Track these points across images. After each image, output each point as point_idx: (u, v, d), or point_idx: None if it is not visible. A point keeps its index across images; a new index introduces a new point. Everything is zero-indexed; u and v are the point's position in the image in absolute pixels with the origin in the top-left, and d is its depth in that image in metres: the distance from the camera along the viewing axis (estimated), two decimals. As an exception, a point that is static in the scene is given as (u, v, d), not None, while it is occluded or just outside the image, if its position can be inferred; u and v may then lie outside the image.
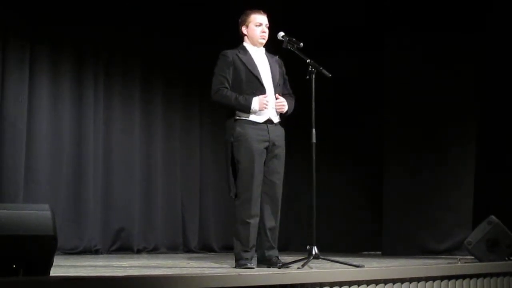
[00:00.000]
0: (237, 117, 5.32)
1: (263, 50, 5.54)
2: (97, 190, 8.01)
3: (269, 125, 5.36)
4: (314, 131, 5.39)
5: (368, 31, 8.99)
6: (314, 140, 5.39)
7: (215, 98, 5.35)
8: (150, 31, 8.44)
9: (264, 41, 5.50)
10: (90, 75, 8.05)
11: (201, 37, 8.74)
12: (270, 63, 5.51)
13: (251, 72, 5.38)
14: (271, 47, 5.62)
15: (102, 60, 8.16)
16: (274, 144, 5.36)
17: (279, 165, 5.40)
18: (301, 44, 5.47)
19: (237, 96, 5.29)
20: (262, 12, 5.52)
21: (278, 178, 5.40)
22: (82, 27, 7.98)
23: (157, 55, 8.57)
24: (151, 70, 8.59)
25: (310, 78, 5.39)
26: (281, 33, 5.55)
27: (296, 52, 5.48)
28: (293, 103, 5.55)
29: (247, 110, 5.28)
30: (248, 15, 5.51)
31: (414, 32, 8.54)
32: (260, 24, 5.47)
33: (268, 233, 5.36)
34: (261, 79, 5.39)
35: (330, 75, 5.38)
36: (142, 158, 8.43)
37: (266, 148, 5.34)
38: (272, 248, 5.38)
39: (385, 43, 8.85)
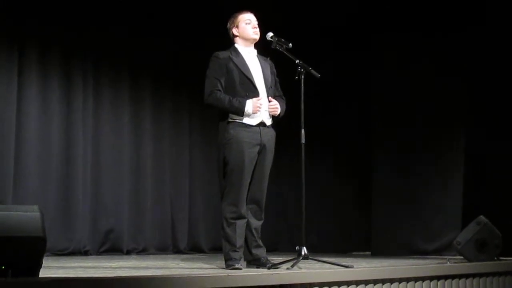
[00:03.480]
0: (230, 120, 5.32)
1: (255, 52, 5.54)
2: (86, 192, 7.98)
3: (261, 128, 5.37)
4: (303, 131, 5.43)
5: (356, 32, 9.02)
6: (303, 141, 5.43)
7: (209, 101, 5.33)
8: (138, 32, 8.41)
9: (257, 36, 5.48)
10: (78, 77, 8.03)
11: (190, 37, 8.73)
12: (262, 65, 5.51)
13: (244, 74, 5.37)
14: (261, 48, 5.61)
15: (90, 61, 8.14)
16: (265, 147, 5.37)
17: (266, 167, 5.42)
18: (290, 44, 5.49)
19: (231, 98, 5.28)
20: (249, 11, 5.53)
21: (264, 180, 5.41)
22: (71, 29, 7.98)
23: (145, 56, 8.54)
24: (140, 71, 8.57)
25: (299, 79, 5.40)
26: (270, 34, 5.58)
27: (285, 52, 5.49)
28: (285, 105, 5.56)
29: (241, 112, 5.28)
30: (236, 17, 5.53)
31: (402, 32, 8.56)
32: (250, 21, 5.48)
33: (254, 232, 5.36)
34: (254, 81, 5.39)
35: (319, 75, 5.40)
36: (131, 159, 8.41)
37: (258, 152, 5.35)
38: (259, 246, 5.39)
39: (372, 43, 8.87)
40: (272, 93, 5.49)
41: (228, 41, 5.57)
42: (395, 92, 8.68)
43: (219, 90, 5.32)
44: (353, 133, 9.25)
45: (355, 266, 5.39)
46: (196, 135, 9.00)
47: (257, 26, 5.51)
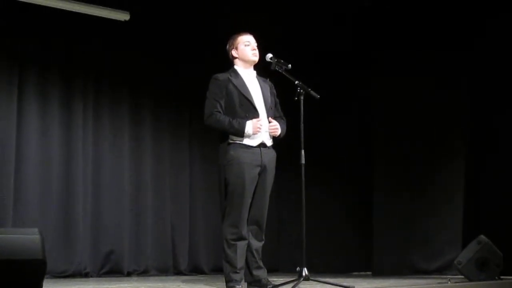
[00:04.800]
0: (231, 141, 5.32)
1: (254, 73, 5.56)
2: (87, 213, 7.96)
3: (262, 149, 5.37)
4: (303, 152, 5.42)
5: (356, 51, 9.01)
6: (303, 161, 5.42)
7: (209, 122, 5.34)
8: (138, 51, 8.43)
9: (256, 58, 5.50)
10: (78, 96, 8.04)
11: (190, 57, 8.73)
12: (261, 86, 5.52)
13: (244, 95, 5.38)
14: (261, 69, 5.63)
15: (90, 81, 8.15)
16: (265, 168, 5.37)
17: (267, 188, 5.41)
18: (289, 65, 5.51)
19: (231, 120, 5.28)
20: (248, 33, 5.54)
21: (265, 200, 5.39)
22: (70, 48, 8.01)
23: (145, 76, 8.55)
24: (140, 91, 8.56)
25: (299, 100, 5.42)
26: (269, 55, 5.59)
27: (284, 73, 5.51)
28: (285, 126, 5.56)
29: (241, 134, 5.27)
30: (234, 38, 5.55)
31: (402, 50, 8.55)
32: (249, 43, 5.50)
33: (255, 253, 5.35)
34: (254, 102, 5.40)
35: (319, 96, 5.43)
36: (131, 180, 8.38)
37: (258, 173, 5.34)
38: (260, 268, 5.37)
39: (372, 60, 8.86)
40: (272, 114, 5.51)
41: (227, 62, 5.59)
42: (395, 109, 8.67)
43: (219, 112, 5.34)
44: (353, 153, 9.20)
45: (356, 287, 5.35)
46: (197, 156, 8.96)
47: (256, 48, 5.53)
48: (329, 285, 5.37)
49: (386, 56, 8.71)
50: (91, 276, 7.83)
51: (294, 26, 8.77)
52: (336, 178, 9.28)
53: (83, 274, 7.78)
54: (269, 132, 5.41)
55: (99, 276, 7.93)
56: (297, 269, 5.28)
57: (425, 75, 8.36)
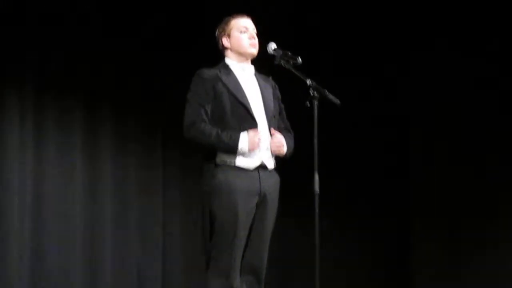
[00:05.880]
0: (219, 161, 5.09)
1: (252, 69, 5.35)
2: (24, 255, 7.52)
3: (261, 172, 5.13)
4: (317, 176, 5.15)
5: (387, 51, 9.07)
6: (317, 190, 5.15)
7: (189, 135, 5.11)
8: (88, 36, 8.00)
9: (255, 51, 5.29)
10: (15, 113, 7.61)
11: (163, 45, 8.29)
12: (261, 87, 5.28)
13: (237, 98, 5.14)
14: (261, 64, 5.43)
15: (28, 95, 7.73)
16: (265, 198, 5.13)
17: (268, 224, 5.22)
18: (299, 59, 5.27)
19: (219, 132, 5.04)
20: (245, 15, 5.35)
21: (264, 241, 5.24)
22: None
23: (105, 87, 8.08)
24: (98, 101, 8.08)
25: (312, 106, 5.17)
26: (272, 45, 5.36)
27: (293, 70, 5.28)
28: (293, 141, 5.36)
29: (233, 151, 5.04)
30: (227, 23, 5.35)
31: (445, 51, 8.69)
32: (246, 29, 5.27)
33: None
34: (250, 108, 5.14)
35: (339, 101, 5.21)
36: (85, 214, 7.91)
37: (256, 204, 5.11)
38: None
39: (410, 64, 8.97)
40: (275, 125, 5.28)
41: (217, 54, 5.36)
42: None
43: (204, 121, 5.10)
44: (384, 178, 8.97)
45: None
46: (173, 185, 8.51)
47: (255, 35, 5.29)
48: None
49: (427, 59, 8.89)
50: None
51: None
52: (360, 211, 8.98)
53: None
54: (271, 150, 5.19)
55: None
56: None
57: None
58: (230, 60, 5.26)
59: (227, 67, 5.24)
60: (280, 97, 5.41)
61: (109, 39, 8.02)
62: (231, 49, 5.27)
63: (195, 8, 8.17)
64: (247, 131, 5.06)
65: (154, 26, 8.26)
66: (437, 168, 8.80)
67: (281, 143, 5.18)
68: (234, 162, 5.07)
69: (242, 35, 5.24)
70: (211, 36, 5.38)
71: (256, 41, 5.26)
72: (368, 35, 8.89)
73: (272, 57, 5.30)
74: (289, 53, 5.25)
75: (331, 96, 5.15)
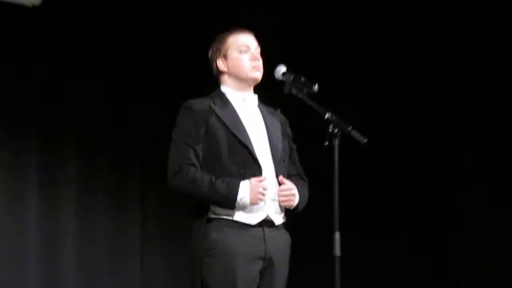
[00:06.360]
0: (213, 215, 4.68)
1: (254, 98, 4.93)
2: None
3: (266, 229, 4.69)
4: (337, 236, 4.67)
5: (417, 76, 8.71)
6: (338, 253, 4.67)
7: (175, 183, 4.72)
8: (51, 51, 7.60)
9: (259, 75, 4.86)
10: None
11: (140, 63, 7.85)
12: (267, 122, 4.90)
13: (236, 137, 4.74)
14: (266, 92, 4.99)
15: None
16: (272, 262, 4.71)
17: None
18: (316, 87, 4.81)
19: (213, 179, 4.65)
20: (246, 30, 4.96)
21: None
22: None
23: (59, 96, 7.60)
24: (56, 134, 7.66)
25: (332, 145, 4.70)
26: (282, 69, 4.92)
27: (307, 101, 4.83)
28: (307, 190, 4.97)
29: (231, 203, 4.63)
30: (223, 41, 4.97)
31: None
32: (247, 48, 4.85)
33: None
34: (253, 149, 4.74)
35: (366, 140, 4.72)
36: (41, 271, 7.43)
37: (260, 272, 4.71)
38: None
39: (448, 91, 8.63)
40: (285, 170, 4.86)
41: (211, 80, 4.96)
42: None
43: (193, 165, 4.68)
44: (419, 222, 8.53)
45: None
46: (154, 247, 8.11)
47: (259, 56, 4.88)
48: None
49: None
50: None
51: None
52: (390, 277, 8.55)
53: None
54: (279, 201, 4.75)
55: None
56: None
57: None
58: (227, 88, 4.86)
59: (223, 97, 4.84)
60: (291, 135, 5.03)
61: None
62: (228, 74, 4.86)
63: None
64: (249, 179, 4.63)
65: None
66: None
67: (291, 193, 4.76)
68: (232, 215, 4.64)
69: (242, 56, 4.84)
70: (203, 58, 5.06)
71: (260, 63, 4.87)
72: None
73: (281, 83, 4.87)
74: (303, 79, 4.81)
75: (355, 133, 4.71)
